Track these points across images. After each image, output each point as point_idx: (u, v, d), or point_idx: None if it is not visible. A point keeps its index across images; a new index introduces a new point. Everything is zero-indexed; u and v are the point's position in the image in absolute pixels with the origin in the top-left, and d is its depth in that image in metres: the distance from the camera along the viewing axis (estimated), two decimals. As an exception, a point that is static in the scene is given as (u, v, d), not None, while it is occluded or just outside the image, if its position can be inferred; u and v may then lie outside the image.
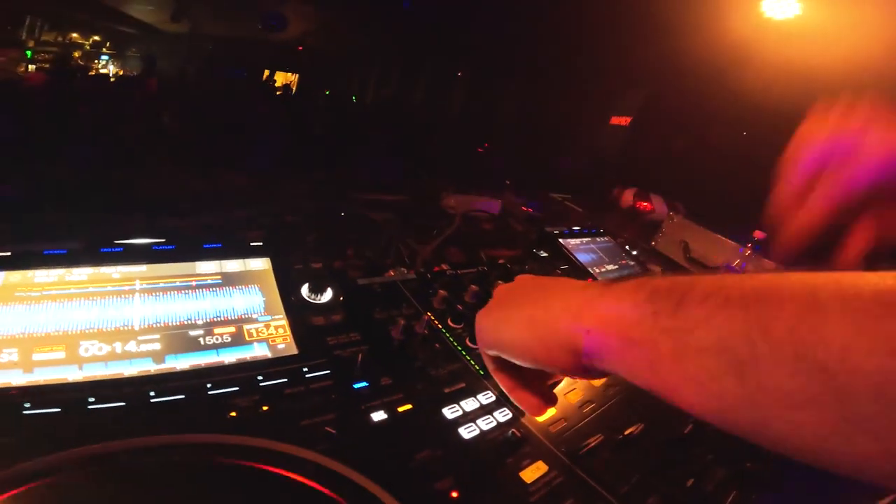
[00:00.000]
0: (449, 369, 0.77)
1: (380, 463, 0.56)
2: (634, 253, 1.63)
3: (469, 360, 0.80)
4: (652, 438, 0.73)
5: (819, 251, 0.56)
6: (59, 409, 0.54)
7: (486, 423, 0.67)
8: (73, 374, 0.60)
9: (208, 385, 0.62)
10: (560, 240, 1.42)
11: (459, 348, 0.82)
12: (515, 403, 0.66)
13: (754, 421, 0.33)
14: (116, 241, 0.75)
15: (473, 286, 0.97)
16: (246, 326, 0.73)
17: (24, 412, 0.53)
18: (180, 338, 0.68)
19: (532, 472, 0.62)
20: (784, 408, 0.30)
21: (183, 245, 0.80)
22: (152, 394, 0.59)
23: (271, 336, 0.73)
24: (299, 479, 0.53)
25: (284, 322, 0.76)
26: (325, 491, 0.52)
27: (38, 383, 0.58)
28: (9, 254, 0.69)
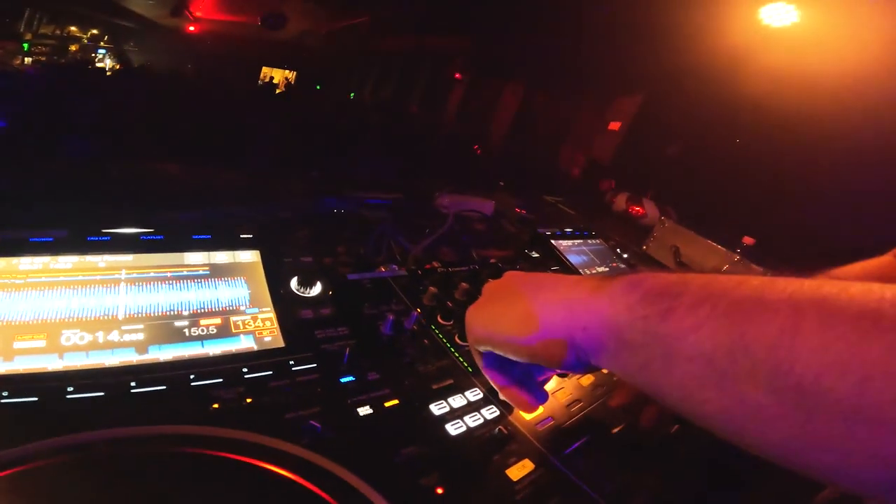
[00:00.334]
0: (437, 366, 0.76)
1: (365, 458, 0.56)
2: (625, 256, 1.63)
3: (458, 357, 0.79)
4: (639, 438, 0.73)
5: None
6: (36, 399, 0.53)
7: (473, 420, 0.67)
8: (54, 364, 0.59)
9: (191, 376, 0.61)
10: (552, 241, 1.42)
11: (448, 345, 0.82)
12: (506, 401, 0.65)
13: (730, 429, 0.34)
14: (104, 230, 0.74)
15: (464, 284, 0.97)
16: (232, 318, 0.72)
17: (2, 400, 0.52)
18: (165, 328, 0.67)
19: (518, 470, 0.61)
20: (758, 421, 0.32)
21: (171, 235, 0.79)
22: (133, 384, 0.58)
23: (258, 328, 0.72)
24: (281, 472, 0.52)
25: (272, 315, 0.75)
26: (308, 485, 0.51)
27: (16, 372, 0.57)
28: (-7, 240, 0.68)
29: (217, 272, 0.77)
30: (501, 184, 2.03)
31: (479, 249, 1.31)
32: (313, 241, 1.02)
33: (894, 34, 2.05)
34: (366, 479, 0.53)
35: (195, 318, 0.69)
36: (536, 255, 1.38)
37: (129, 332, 0.64)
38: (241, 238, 0.84)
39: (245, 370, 0.64)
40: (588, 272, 1.38)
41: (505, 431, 0.65)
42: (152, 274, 0.73)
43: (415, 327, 0.81)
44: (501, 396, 0.66)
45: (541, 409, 0.70)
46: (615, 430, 0.72)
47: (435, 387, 0.71)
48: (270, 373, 0.65)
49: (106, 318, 0.65)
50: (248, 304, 0.75)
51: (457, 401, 0.69)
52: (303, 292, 0.81)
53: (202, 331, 0.68)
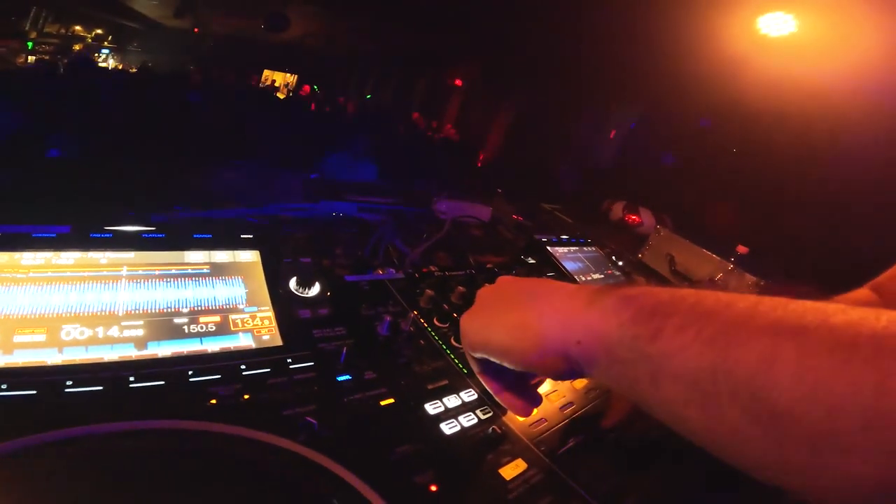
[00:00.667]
0: (433, 366, 0.77)
1: (360, 455, 0.56)
2: (620, 264, 1.65)
3: (453, 359, 0.80)
4: (631, 440, 0.74)
5: None
6: (35, 392, 0.54)
7: (467, 420, 0.68)
8: (53, 357, 0.59)
9: (190, 372, 0.62)
10: (548, 247, 1.43)
11: (444, 346, 0.83)
12: (502, 405, 0.66)
13: (711, 445, 0.37)
14: (106, 227, 0.75)
15: (461, 287, 0.98)
16: (231, 316, 0.73)
17: (0, 393, 0.53)
18: (164, 325, 0.67)
19: (511, 470, 0.62)
20: (736, 441, 0.34)
21: (172, 234, 0.79)
22: (132, 379, 0.59)
23: (256, 327, 0.73)
24: (277, 467, 0.53)
25: (270, 314, 0.76)
26: (307, 481, 0.52)
27: (15, 365, 0.57)
28: (-4, 234, 0.69)
29: (217, 271, 0.78)
30: (499, 190, 2.04)
31: (476, 255, 1.32)
32: (312, 243, 1.03)
33: (891, 41, 2.07)
34: (361, 475, 0.53)
35: (194, 315, 0.70)
36: (532, 262, 1.39)
37: (129, 327, 0.65)
38: (241, 238, 0.85)
39: (243, 367, 0.65)
40: (583, 279, 1.39)
41: (499, 431, 0.66)
42: (153, 271, 0.74)
43: (411, 328, 0.82)
44: (497, 401, 0.67)
45: (535, 412, 0.71)
46: (607, 432, 0.73)
47: (430, 387, 0.72)
48: (268, 370, 0.66)
49: (106, 313, 0.66)
50: (247, 302, 0.76)
51: (451, 401, 0.70)
52: (301, 292, 0.82)
53: (201, 328, 0.69)
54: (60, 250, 0.70)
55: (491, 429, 0.66)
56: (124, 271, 0.72)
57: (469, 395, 0.73)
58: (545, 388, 0.80)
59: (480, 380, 0.65)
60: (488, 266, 1.21)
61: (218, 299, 0.74)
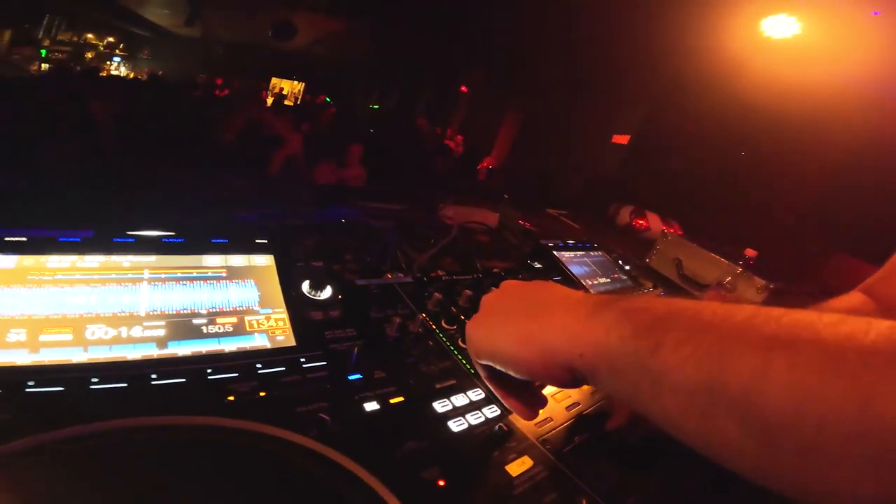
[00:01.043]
0: (440, 367, 0.79)
1: (370, 450, 0.59)
2: (627, 268, 1.66)
3: (460, 359, 0.83)
4: (634, 440, 0.76)
5: None
6: (62, 388, 0.57)
7: (474, 418, 0.70)
8: (78, 356, 0.62)
9: (208, 370, 0.64)
10: (554, 252, 1.45)
11: (451, 348, 0.85)
12: (508, 408, 0.68)
13: (708, 453, 0.38)
14: (129, 232, 0.78)
15: (468, 291, 1.00)
16: (247, 318, 0.75)
17: (27, 390, 0.55)
18: (184, 325, 0.70)
19: (518, 466, 0.64)
20: (732, 449, 0.36)
21: (191, 239, 0.83)
22: (154, 376, 0.61)
23: (271, 328, 0.75)
24: (293, 460, 0.55)
25: (284, 315, 0.78)
26: (320, 473, 0.55)
27: (42, 363, 0.60)
28: (24, 239, 0.72)
29: (233, 274, 0.81)
30: (506, 196, 2.06)
31: (483, 260, 1.34)
32: (323, 248, 1.06)
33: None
34: (371, 470, 0.56)
35: (212, 316, 0.73)
36: (539, 266, 1.41)
37: (151, 328, 0.68)
38: (256, 243, 0.88)
39: (259, 366, 0.67)
40: (590, 283, 1.41)
41: (505, 429, 0.68)
42: (173, 274, 0.77)
43: (420, 330, 0.84)
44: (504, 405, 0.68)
45: (540, 412, 0.73)
46: (612, 432, 0.75)
47: (438, 386, 0.75)
48: (283, 369, 0.68)
49: (129, 314, 0.69)
50: (261, 304, 0.79)
51: (459, 400, 0.73)
52: (314, 295, 0.85)
53: (219, 328, 0.72)
54: (85, 254, 0.74)
55: (497, 426, 0.68)
56: (146, 274, 0.75)
57: (476, 395, 0.75)
58: (551, 388, 0.82)
59: (488, 384, 0.67)
60: (495, 270, 1.23)
61: (234, 301, 0.77)
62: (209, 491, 0.50)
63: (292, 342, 0.74)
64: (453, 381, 0.77)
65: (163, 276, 0.76)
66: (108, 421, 0.53)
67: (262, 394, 0.63)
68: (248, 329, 0.74)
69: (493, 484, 0.61)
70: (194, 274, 0.78)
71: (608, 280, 1.50)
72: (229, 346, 0.70)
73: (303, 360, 0.71)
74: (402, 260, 1.17)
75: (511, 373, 0.57)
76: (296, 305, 0.81)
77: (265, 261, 0.87)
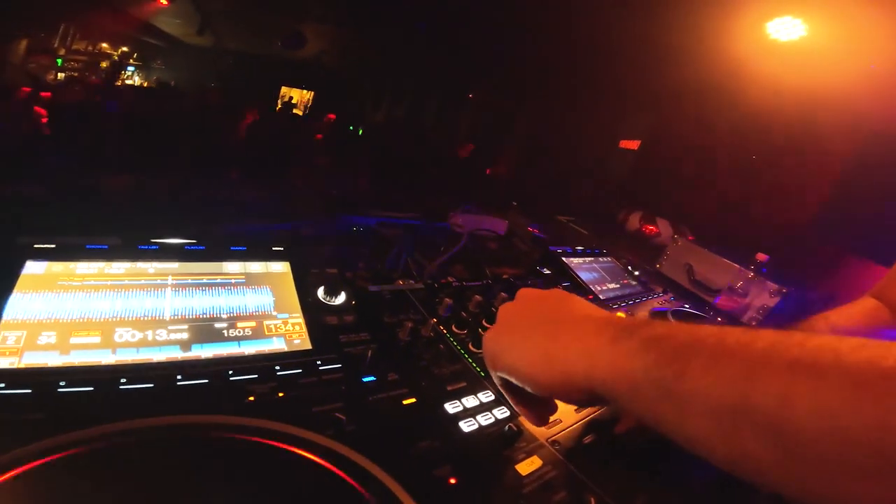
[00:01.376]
0: (451, 369, 0.82)
1: (384, 448, 0.61)
2: (637, 273, 1.68)
3: (470, 363, 0.85)
4: (644, 439, 0.77)
5: None
6: (92, 388, 0.60)
7: (484, 419, 0.72)
8: (107, 358, 0.65)
9: (230, 372, 0.67)
10: (563, 258, 1.48)
11: (462, 351, 0.88)
12: (521, 415, 0.69)
13: (734, 471, 0.40)
14: (153, 240, 0.82)
15: (478, 297, 1.03)
16: (265, 322, 0.78)
17: (59, 390, 0.59)
18: (206, 329, 0.73)
19: (527, 466, 0.66)
20: (757, 468, 0.38)
21: (212, 246, 0.86)
22: (179, 378, 0.64)
23: (288, 332, 0.78)
24: (310, 458, 0.58)
25: (300, 320, 0.81)
26: (334, 470, 0.57)
27: (73, 364, 0.63)
28: (53, 246, 0.76)
29: (252, 280, 0.85)
30: (514, 204, 2.08)
31: (492, 267, 1.36)
32: (337, 255, 1.09)
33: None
34: (384, 468, 0.58)
35: (232, 320, 0.76)
36: (548, 272, 1.43)
37: (175, 331, 0.71)
38: (273, 250, 0.92)
39: (277, 368, 0.70)
40: (599, 288, 1.43)
41: (515, 429, 0.70)
42: (195, 280, 0.80)
43: (431, 334, 0.87)
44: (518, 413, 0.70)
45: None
46: (621, 432, 0.77)
47: (449, 388, 0.77)
48: (300, 371, 0.71)
49: (154, 318, 0.72)
50: (279, 309, 0.82)
51: (469, 401, 0.75)
52: (328, 301, 0.88)
53: (239, 332, 0.75)
54: (112, 260, 0.77)
55: (507, 427, 0.70)
56: (170, 280, 0.78)
57: (486, 397, 0.78)
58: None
59: (503, 393, 0.68)
60: (504, 277, 1.26)
61: (253, 306, 0.80)
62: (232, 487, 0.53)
63: (308, 346, 0.77)
64: (464, 384, 0.79)
65: (186, 281, 0.79)
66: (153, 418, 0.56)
67: (280, 394, 0.66)
68: (266, 333, 0.77)
69: (504, 482, 0.63)
70: (216, 280, 0.82)
71: (617, 286, 1.52)
72: (249, 349, 0.73)
73: (318, 362, 0.74)
74: (413, 267, 1.20)
75: (529, 390, 0.58)
76: (311, 310, 0.84)
77: (282, 268, 0.90)
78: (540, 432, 0.74)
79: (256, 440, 0.59)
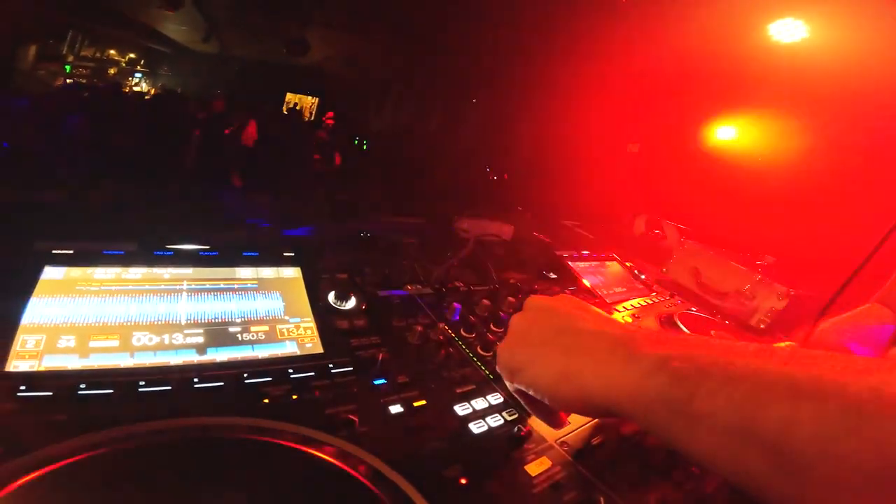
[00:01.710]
0: (461, 372, 0.83)
1: (395, 449, 0.62)
2: (643, 277, 1.68)
3: (479, 365, 0.87)
4: (653, 440, 0.78)
5: None
6: (112, 391, 0.62)
7: (494, 421, 0.74)
8: (125, 361, 0.67)
9: (244, 375, 0.69)
10: (569, 263, 1.49)
11: (471, 354, 0.89)
12: (538, 419, 0.70)
13: (738, 485, 0.42)
14: (168, 246, 0.83)
15: (486, 301, 1.04)
16: (278, 326, 0.80)
17: (80, 392, 0.60)
18: (221, 333, 0.75)
19: (536, 467, 0.67)
20: (760, 485, 0.40)
21: (225, 252, 0.88)
22: (196, 380, 0.66)
23: (300, 336, 0.80)
24: (324, 458, 0.59)
25: (312, 324, 0.83)
26: (348, 470, 0.58)
27: (93, 367, 0.65)
28: (71, 252, 0.78)
29: (264, 286, 0.86)
30: (520, 208, 2.10)
31: (499, 271, 1.38)
32: (346, 261, 1.10)
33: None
34: (396, 468, 0.59)
35: (246, 324, 0.78)
36: (554, 277, 1.44)
37: (191, 335, 0.73)
38: (284, 255, 0.93)
39: (290, 371, 0.72)
40: (605, 293, 1.44)
41: (523, 431, 0.71)
42: (209, 285, 0.82)
43: (440, 338, 0.88)
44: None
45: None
46: (630, 433, 0.78)
47: (459, 390, 0.78)
48: (312, 374, 0.73)
49: (170, 322, 0.74)
50: (291, 314, 0.83)
51: (479, 403, 0.77)
52: (339, 305, 0.89)
53: (252, 336, 0.77)
54: (128, 266, 0.79)
55: (517, 428, 0.71)
56: (185, 285, 0.80)
57: (495, 399, 0.79)
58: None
59: (518, 399, 0.70)
60: (511, 282, 1.27)
61: (266, 311, 0.82)
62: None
63: (320, 349, 0.79)
64: (473, 386, 0.80)
65: (200, 287, 0.81)
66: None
67: (294, 397, 0.68)
68: (279, 337, 0.78)
69: (513, 483, 0.64)
70: (228, 285, 0.84)
71: (624, 290, 1.52)
72: (262, 352, 0.75)
73: (330, 365, 0.75)
74: (421, 272, 1.21)
75: (547, 402, 0.60)
76: (322, 315, 0.86)
77: (293, 273, 0.92)
78: (549, 433, 0.75)
79: (274, 441, 0.60)
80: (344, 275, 0.98)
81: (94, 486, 0.50)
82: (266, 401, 0.66)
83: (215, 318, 0.77)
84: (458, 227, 1.70)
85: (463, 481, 0.61)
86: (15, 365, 0.62)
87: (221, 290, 0.82)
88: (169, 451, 0.55)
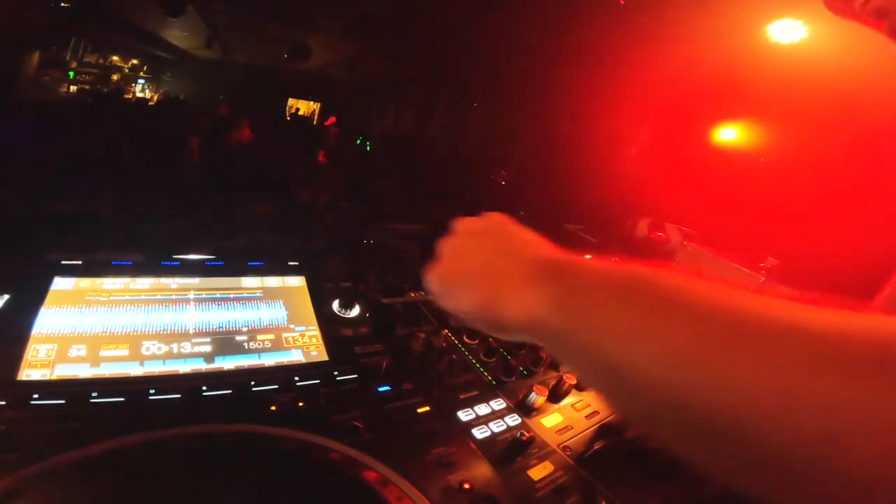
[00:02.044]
0: (464, 379, 0.84)
1: (400, 455, 0.64)
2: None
3: (483, 372, 0.88)
4: (653, 445, 0.79)
5: None
6: (123, 399, 0.63)
7: (497, 426, 0.75)
8: (135, 370, 0.68)
9: (252, 383, 0.70)
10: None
11: (474, 361, 0.90)
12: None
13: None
14: (175, 256, 0.85)
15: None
16: (283, 334, 0.81)
17: (92, 400, 0.62)
18: (228, 342, 0.76)
19: (539, 471, 0.68)
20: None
21: (231, 262, 0.90)
22: (204, 388, 0.67)
23: (305, 344, 0.81)
24: (330, 463, 0.60)
25: (317, 332, 0.84)
26: (354, 475, 0.60)
27: (104, 376, 0.66)
28: (80, 263, 0.79)
29: (269, 294, 0.88)
30: (522, 213, 2.10)
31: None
32: (350, 269, 1.12)
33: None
34: (401, 472, 0.61)
35: (252, 333, 0.79)
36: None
37: (199, 344, 0.74)
38: (289, 265, 0.95)
39: (297, 379, 0.73)
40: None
41: (526, 436, 0.72)
42: (216, 295, 0.83)
43: (443, 345, 0.89)
44: None
45: (559, 418, 0.77)
46: (630, 438, 0.78)
47: (462, 396, 0.80)
48: (318, 381, 0.74)
49: (178, 332, 0.75)
50: (296, 322, 0.85)
51: (482, 409, 0.78)
52: (343, 313, 0.90)
53: (259, 345, 0.78)
54: (136, 276, 0.80)
55: (520, 433, 0.72)
56: (192, 295, 0.81)
57: (498, 405, 0.80)
58: (571, 398, 0.86)
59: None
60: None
61: (271, 320, 0.83)
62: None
63: (325, 357, 0.80)
64: (476, 392, 0.82)
65: (207, 296, 0.82)
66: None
67: (300, 404, 0.69)
68: (284, 345, 0.80)
69: (516, 487, 0.66)
70: (240, 295, 0.85)
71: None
72: (269, 360, 0.76)
73: (336, 373, 0.77)
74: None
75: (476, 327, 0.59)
76: (327, 323, 0.87)
77: (297, 282, 0.93)
78: (551, 438, 0.76)
79: (283, 447, 0.61)
80: (348, 283, 0.99)
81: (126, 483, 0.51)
82: (273, 408, 0.67)
83: (222, 327, 0.78)
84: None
85: (466, 486, 0.62)
86: (27, 374, 0.64)
87: (228, 300, 0.83)
88: (181, 454, 0.57)
